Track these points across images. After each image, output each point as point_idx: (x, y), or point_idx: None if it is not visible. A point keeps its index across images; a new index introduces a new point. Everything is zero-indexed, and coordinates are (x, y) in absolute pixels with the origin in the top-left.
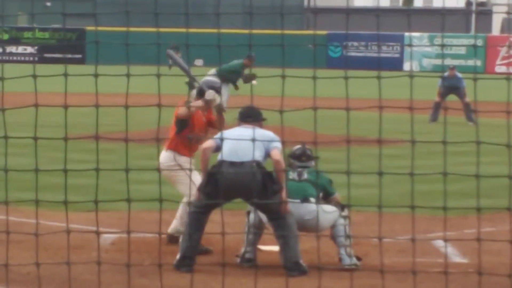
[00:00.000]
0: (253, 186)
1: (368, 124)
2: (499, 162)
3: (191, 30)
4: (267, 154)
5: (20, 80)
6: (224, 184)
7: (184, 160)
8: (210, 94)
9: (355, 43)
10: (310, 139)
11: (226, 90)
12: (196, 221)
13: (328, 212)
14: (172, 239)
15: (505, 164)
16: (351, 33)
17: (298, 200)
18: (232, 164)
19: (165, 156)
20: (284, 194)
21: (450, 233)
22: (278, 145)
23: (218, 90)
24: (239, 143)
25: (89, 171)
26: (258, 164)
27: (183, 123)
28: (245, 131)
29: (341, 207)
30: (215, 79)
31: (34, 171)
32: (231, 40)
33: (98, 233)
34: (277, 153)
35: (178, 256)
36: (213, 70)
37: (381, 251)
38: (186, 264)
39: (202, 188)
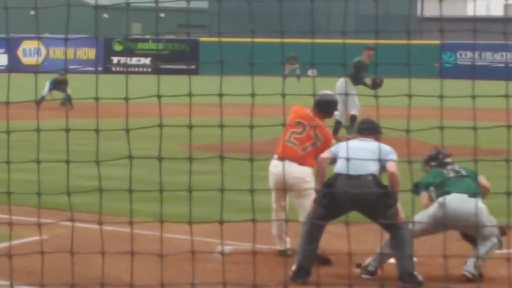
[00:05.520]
0: (368, 199)
1: (494, 134)
2: None
3: (303, 40)
4: (383, 168)
5: (138, 91)
6: (340, 197)
7: (312, 174)
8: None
9: (469, 53)
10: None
11: (356, 98)
12: (312, 233)
13: (492, 220)
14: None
15: None
16: (464, 43)
17: (466, 195)
18: (349, 177)
19: (303, 171)
20: (399, 205)
21: None
22: (394, 157)
23: (335, 101)
24: (356, 156)
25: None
26: (374, 177)
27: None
28: (362, 144)
29: (501, 230)
30: (329, 92)
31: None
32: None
33: (223, 254)
34: (393, 165)
35: (293, 268)
36: (341, 79)
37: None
38: (301, 275)
39: (318, 200)
